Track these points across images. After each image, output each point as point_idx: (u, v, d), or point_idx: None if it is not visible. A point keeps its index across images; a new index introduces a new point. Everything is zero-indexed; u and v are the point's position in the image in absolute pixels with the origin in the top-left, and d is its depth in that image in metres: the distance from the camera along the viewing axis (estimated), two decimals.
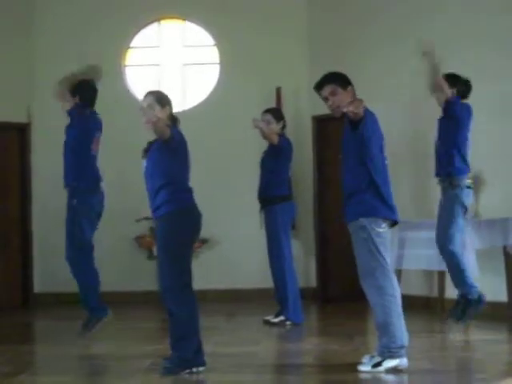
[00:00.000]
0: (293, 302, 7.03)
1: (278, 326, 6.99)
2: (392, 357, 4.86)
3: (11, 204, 9.16)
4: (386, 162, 5.00)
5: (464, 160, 6.17)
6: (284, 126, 7.26)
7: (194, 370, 4.91)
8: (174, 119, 5.18)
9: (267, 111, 7.29)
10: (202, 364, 4.95)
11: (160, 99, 5.10)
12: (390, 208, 4.95)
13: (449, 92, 6.11)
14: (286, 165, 7.17)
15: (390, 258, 4.96)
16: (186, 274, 4.95)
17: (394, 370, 4.84)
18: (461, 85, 6.29)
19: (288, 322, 7.02)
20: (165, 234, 4.95)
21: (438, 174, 6.32)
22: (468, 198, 6.20)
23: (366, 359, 4.95)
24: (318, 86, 5.05)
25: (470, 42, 7.48)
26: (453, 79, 6.26)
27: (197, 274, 5.04)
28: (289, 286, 7.03)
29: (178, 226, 4.92)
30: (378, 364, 4.86)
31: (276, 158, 7.11)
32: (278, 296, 7.14)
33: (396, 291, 4.91)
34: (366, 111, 4.86)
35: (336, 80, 5.02)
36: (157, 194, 4.96)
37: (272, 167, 7.12)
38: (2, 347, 6.19)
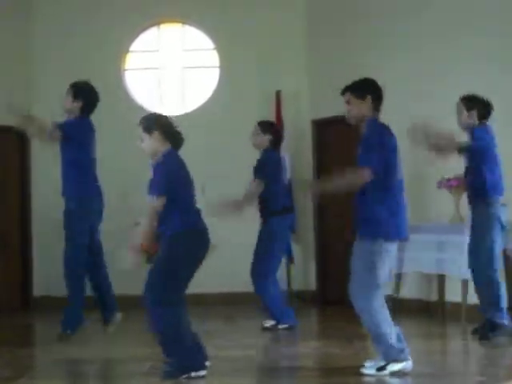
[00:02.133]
0: (279, 310, 7.02)
1: (271, 330, 6.96)
2: (396, 361, 4.86)
3: (11, 206, 9.16)
4: (400, 175, 4.98)
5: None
6: (274, 139, 7.22)
7: (193, 374, 4.89)
8: (173, 138, 5.03)
9: (258, 123, 7.29)
10: (203, 368, 4.93)
11: (146, 127, 4.96)
12: (400, 224, 4.92)
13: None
14: (274, 178, 7.13)
15: (387, 270, 4.94)
16: (176, 292, 4.87)
17: (397, 374, 4.83)
18: (479, 107, 6.28)
19: (281, 326, 6.98)
20: (169, 253, 4.91)
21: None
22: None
23: (369, 363, 4.93)
24: (342, 92, 5.05)
25: (470, 37, 7.49)
26: (470, 101, 6.27)
27: (196, 278, 5.02)
28: (274, 299, 6.99)
29: (183, 247, 4.87)
30: (383, 368, 4.85)
31: (261, 169, 7.09)
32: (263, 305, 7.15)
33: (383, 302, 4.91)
34: (372, 122, 4.89)
35: (353, 90, 5.00)
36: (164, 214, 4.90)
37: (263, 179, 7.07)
38: (1, 350, 6.18)
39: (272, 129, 7.31)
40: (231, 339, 6.56)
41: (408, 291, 7.71)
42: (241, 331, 7.15)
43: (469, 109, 6.24)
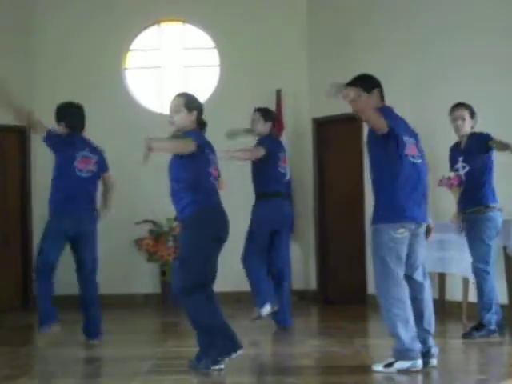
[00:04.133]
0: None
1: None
2: (403, 358, 4.85)
3: (11, 206, 9.16)
4: (415, 160, 4.95)
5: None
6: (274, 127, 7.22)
7: (233, 355, 4.99)
8: (201, 123, 5.26)
9: (258, 110, 7.26)
10: (234, 350, 4.99)
11: (188, 103, 5.20)
12: (405, 210, 4.92)
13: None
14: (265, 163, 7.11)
15: (402, 262, 4.95)
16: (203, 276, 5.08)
17: (404, 372, 4.82)
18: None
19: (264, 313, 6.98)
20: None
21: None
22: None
23: (379, 363, 4.94)
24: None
25: (471, 41, 7.48)
26: (471, 108, 6.37)
27: None
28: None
29: (195, 230, 4.99)
30: (390, 365, 4.85)
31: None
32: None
33: (404, 296, 4.92)
34: (382, 108, 4.90)
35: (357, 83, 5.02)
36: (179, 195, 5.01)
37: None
38: (2, 349, 6.18)
39: (273, 116, 7.31)
40: None
41: None
42: (241, 330, 7.14)
43: (472, 115, 6.34)
